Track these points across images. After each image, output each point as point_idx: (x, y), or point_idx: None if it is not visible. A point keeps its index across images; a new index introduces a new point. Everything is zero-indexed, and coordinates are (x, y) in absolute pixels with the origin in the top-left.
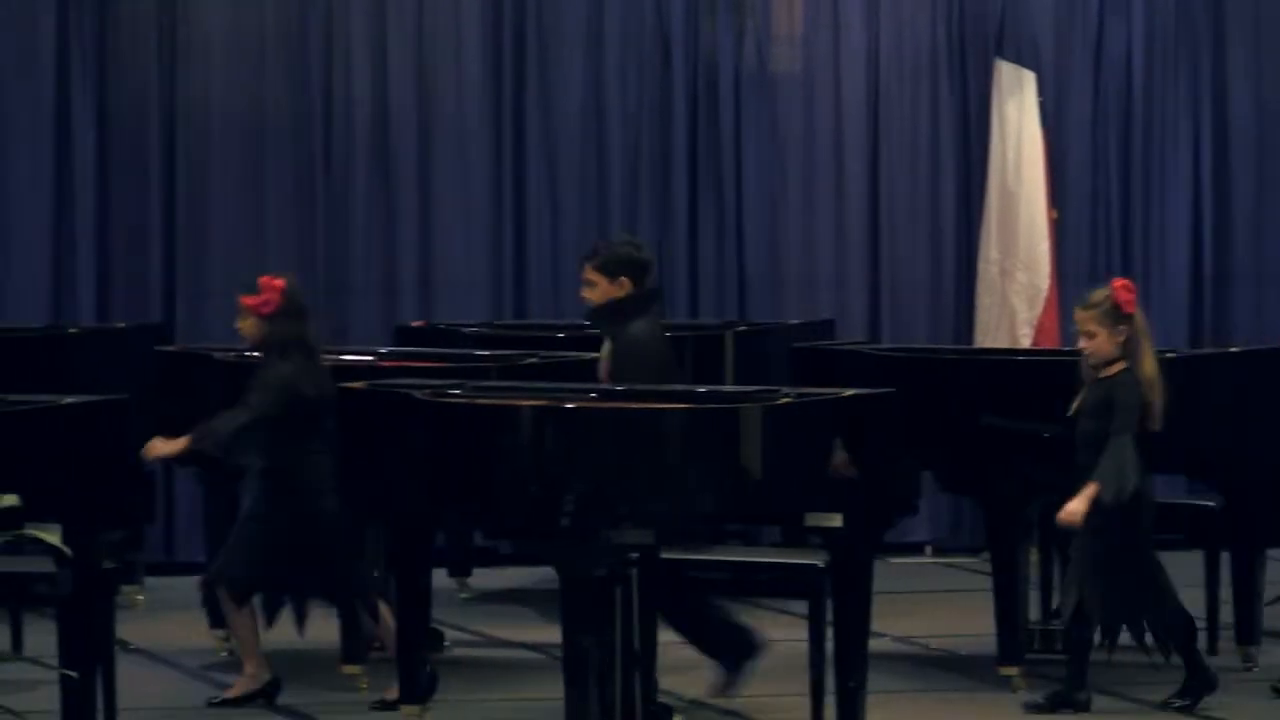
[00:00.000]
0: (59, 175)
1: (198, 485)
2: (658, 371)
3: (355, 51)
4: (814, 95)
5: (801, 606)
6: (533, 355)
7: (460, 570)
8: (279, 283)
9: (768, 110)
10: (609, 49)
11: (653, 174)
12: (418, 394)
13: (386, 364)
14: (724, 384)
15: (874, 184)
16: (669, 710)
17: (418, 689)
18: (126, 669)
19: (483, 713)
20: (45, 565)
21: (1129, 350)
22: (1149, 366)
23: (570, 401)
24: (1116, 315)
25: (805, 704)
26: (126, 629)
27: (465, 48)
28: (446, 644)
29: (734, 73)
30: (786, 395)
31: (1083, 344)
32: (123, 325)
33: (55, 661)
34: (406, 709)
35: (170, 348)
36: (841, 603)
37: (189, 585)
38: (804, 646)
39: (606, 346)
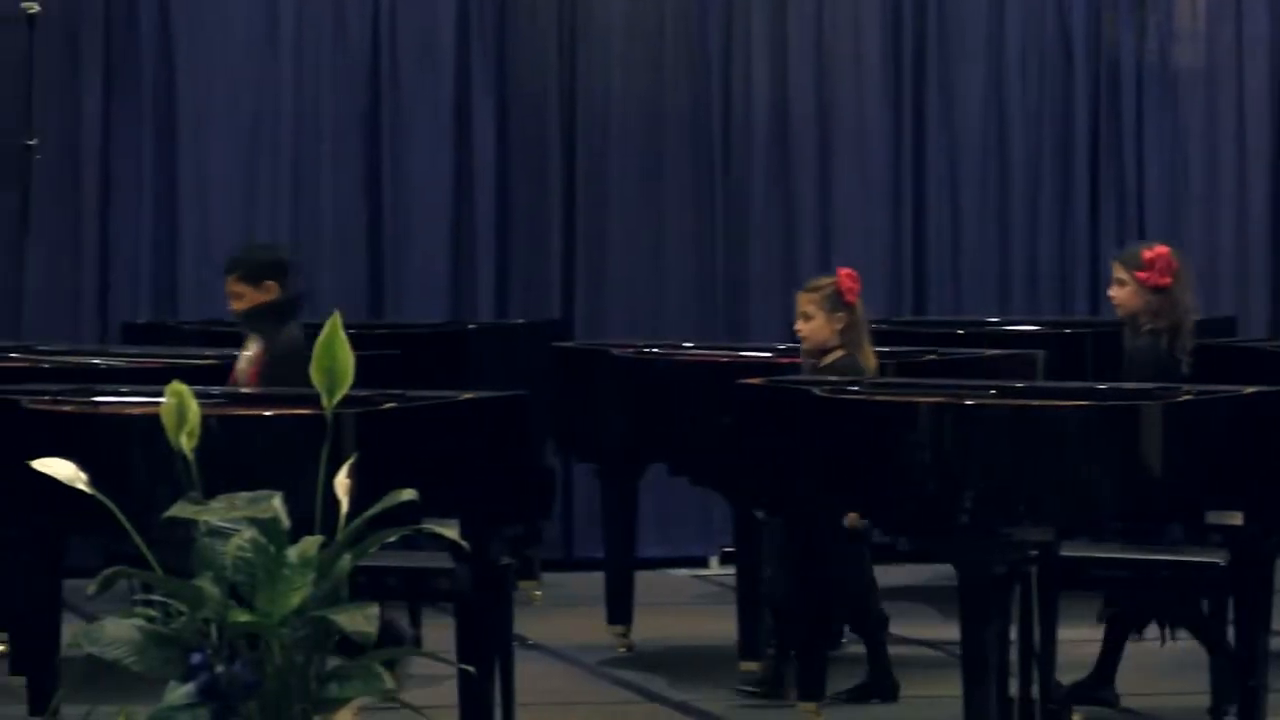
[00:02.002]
0: (458, 172)
1: (595, 481)
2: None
3: (755, 46)
4: (1216, 90)
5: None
6: (931, 352)
7: None
8: None
9: (1170, 106)
10: (1010, 46)
11: (1054, 171)
12: (816, 390)
13: (785, 360)
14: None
15: (1276, 179)
16: (1068, 709)
17: (818, 686)
18: (524, 665)
19: (880, 710)
20: (443, 561)
21: (847, 339)
22: (870, 357)
23: (969, 398)
24: (837, 301)
25: (1206, 703)
26: (524, 625)
27: (865, 43)
28: (844, 640)
29: (1135, 69)
30: (1187, 392)
31: (799, 326)
32: (521, 321)
33: (454, 657)
34: (804, 705)
35: (568, 344)
36: (1242, 601)
37: (587, 581)
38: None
39: (252, 350)
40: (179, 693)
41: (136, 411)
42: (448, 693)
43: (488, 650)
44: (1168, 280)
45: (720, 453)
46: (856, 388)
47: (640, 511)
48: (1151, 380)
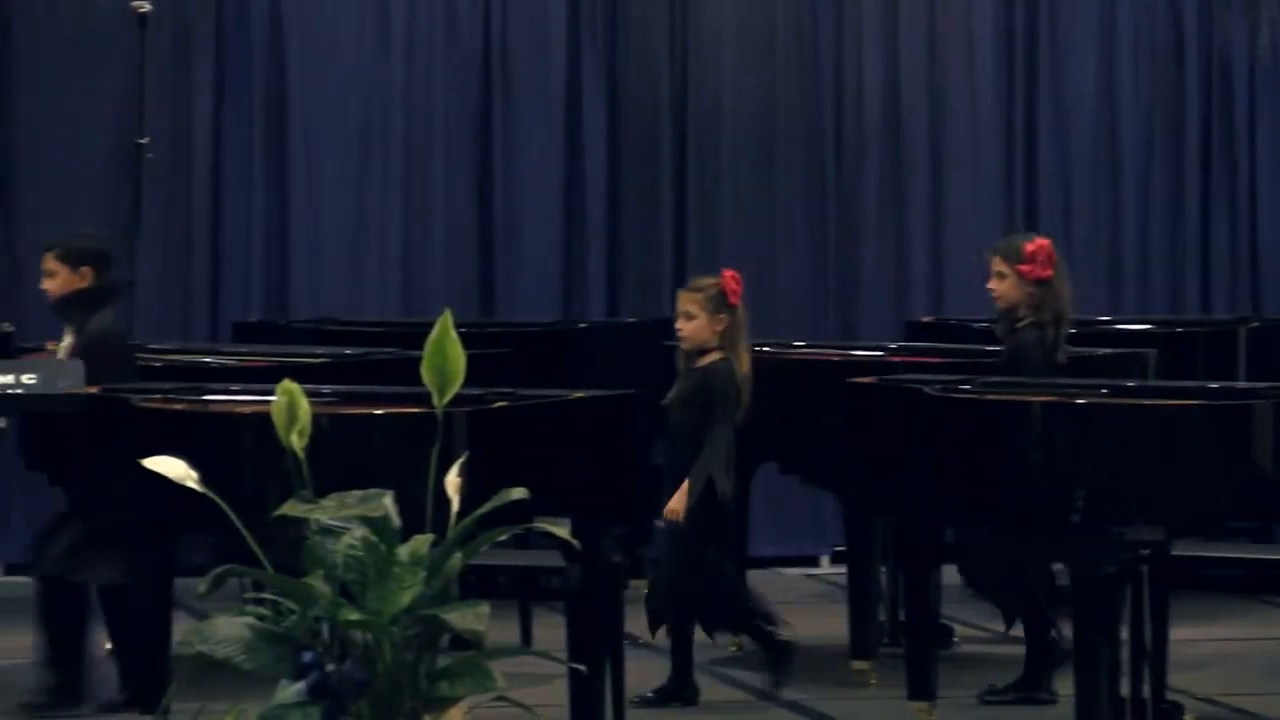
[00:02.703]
0: (569, 170)
1: None
2: (121, 367)
3: (866, 45)
4: None
5: None
6: None
7: None
8: None
9: None
10: (1121, 41)
11: (1165, 169)
12: (927, 389)
13: (896, 359)
14: (1236, 380)
15: None
16: (1180, 708)
17: (927, 686)
18: (635, 663)
19: (993, 710)
20: (554, 559)
21: (727, 340)
22: (746, 361)
23: (1081, 397)
24: (720, 303)
25: None
26: (635, 623)
27: (977, 40)
28: (955, 640)
29: (1248, 65)
30: None
31: (680, 325)
32: (632, 320)
33: (564, 655)
34: (915, 705)
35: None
36: None
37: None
38: None
39: (66, 340)
40: (289, 691)
41: (247, 410)
42: (558, 691)
43: (598, 649)
44: (1050, 272)
45: (831, 452)
46: (968, 387)
47: (751, 510)
48: (1037, 373)
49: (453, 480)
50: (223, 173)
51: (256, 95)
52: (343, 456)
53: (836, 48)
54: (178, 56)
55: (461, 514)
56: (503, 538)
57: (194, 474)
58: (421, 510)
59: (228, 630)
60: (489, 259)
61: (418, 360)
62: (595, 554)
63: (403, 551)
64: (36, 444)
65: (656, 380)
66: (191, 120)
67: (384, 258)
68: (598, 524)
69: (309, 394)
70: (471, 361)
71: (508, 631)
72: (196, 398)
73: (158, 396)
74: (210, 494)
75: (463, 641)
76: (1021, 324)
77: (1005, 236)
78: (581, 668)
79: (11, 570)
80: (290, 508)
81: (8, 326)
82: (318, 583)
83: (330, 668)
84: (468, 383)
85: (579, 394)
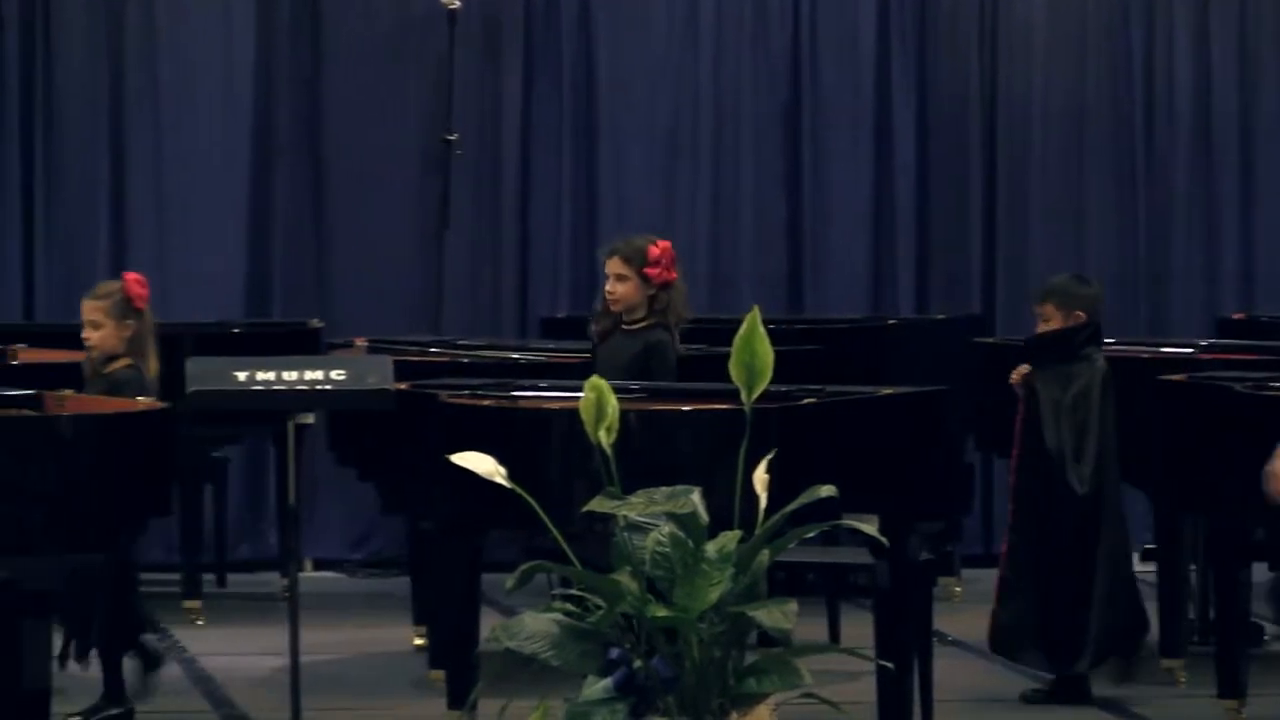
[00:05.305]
0: (879, 168)
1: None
2: None
3: (1177, 40)
4: None
5: None
6: None
7: None
8: None
9: None
10: None
11: None
12: (1237, 387)
13: (1206, 356)
14: None
15: None
16: None
17: (1237, 685)
18: (943, 661)
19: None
20: (862, 556)
21: (134, 347)
22: (154, 366)
23: None
24: (126, 309)
25: None
26: (944, 621)
27: None
28: (1266, 638)
29: None
30: None
31: (87, 334)
32: (941, 316)
33: (872, 653)
34: (1224, 703)
35: (989, 339)
36: None
37: None
38: None
39: None
40: (597, 687)
41: (555, 406)
42: (866, 689)
43: (907, 646)
44: (673, 275)
45: (1141, 449)
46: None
47: None
48: (673, 370)
49: (760, 477)
50: (531, 168)
51: (565, 91)
52: (650, 453)
53: (1147, 42)
54: (486, 52)
55: (769, 511)
56: (811, 534)
57: (502, 470)
58: (729, 507)
59: (535, 626)
60: (797, 255)
61: (726, 356)
62: (903, 551)
63: (710, 548)
64: (346, 440)
65: (966, 376)
66: (500, 116)
67: (692, 253)
68: (906, 521)
69: (617, 390)
70: (780, 358)
71: (816, 629)
72: (505, 394)
73: (466, 393)
74: (518, 490)
75: (770, 638)
76: (641, 324)
77: (622, 240)
78: (889, 665)
79: (319, 566)
80: (598, 504)
81: (317, 322)
82: (625, 579)
83: (638, 664)
84: (776, 379)
85: (888, 390)
